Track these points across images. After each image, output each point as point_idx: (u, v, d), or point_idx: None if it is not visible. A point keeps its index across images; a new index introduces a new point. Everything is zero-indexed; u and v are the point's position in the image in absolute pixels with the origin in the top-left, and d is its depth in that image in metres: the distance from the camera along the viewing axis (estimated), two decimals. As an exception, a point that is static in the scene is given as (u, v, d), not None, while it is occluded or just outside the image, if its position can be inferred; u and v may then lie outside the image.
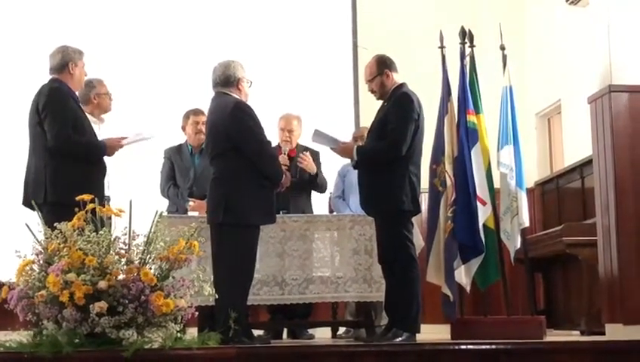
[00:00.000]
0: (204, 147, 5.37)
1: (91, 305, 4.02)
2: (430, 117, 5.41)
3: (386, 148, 5.09)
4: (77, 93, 5.26)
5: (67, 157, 4.98)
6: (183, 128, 6.41)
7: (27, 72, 7.59)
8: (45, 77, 5.24)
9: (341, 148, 5.31)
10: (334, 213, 6.48)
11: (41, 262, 4.24)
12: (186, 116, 6.38)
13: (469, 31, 5.59)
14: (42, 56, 5.33)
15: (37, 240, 4.35)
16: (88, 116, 5.33)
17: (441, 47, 5.57)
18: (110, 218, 4.41)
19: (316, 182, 6.31)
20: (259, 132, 5.04)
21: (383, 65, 5.26)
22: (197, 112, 6.27)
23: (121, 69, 7.65)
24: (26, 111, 5.19)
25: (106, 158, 5.23)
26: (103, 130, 5.56)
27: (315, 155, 6.37)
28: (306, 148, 6.35)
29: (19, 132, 5.91)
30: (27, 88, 5.75)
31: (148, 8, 8.47)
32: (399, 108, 5.12)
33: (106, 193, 5.29)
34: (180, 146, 6.43)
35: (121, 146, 5.23)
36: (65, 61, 5.13)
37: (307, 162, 6.19)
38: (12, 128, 7.53)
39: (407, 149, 5.07)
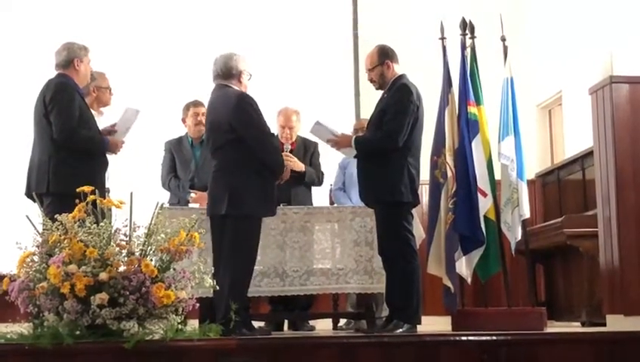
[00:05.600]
0: (205, 139, 5.37)
1: (92, 297, 4.03)
2: (431, 108, 5.41)
3: (382, 138, 5.09)
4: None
5: (71, 150, 5.05)
6: (183, 120, 6.42)
7: (29, 67, 7.62)
8: (48, 71, 5.30)
9: (339, 140, 5.30)
10: (335, 205, 6.47)
11: (42, 253, 4.24)
12: (186, 108, 6.39)
13: (470, 22, 5.57)
14: (45, 50, 5.34)
15: (38, 231, 4.35)
16: (88, 108, 5.38)
17: (442, 39, 5.56)
18: (111, 210, 4.41)
19: (305, 181, 6.26)
20: (263, 123, 5.05)
21: (385, 55, 5.26)
22: (197, 104, 6.28)
23: (121, 61, 7.64)
24: (28, 105, 5.25)
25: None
26: (101, 122, 5.56)
27: (314, 146, 6.36)
28: (306, 141, 6.35)
29: (20, 125, 5.94)
30: (29, 83, 5.78)
31: (147, 1, 8.45)
32: (398, 99, 5.12)
33: (106, 185, 5.32)
34: (180, 139, 6.44)
35: (123, 143, 5.28)
36: (70, 57, 5.21)
37: (292, 162, 6.11)
38: (13, 121, 7.55)
39: (406, 141, 5.07)
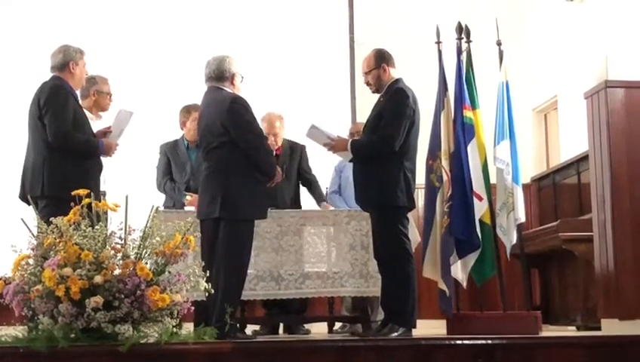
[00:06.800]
0: (198, 141, 5.38)
1: (87, 300, 4.01)
2: (427, 112, 5.41)
3: (378, 142, 5.09)
4: (77, 91, 5.31)
5: (65, 153, 5.04)
6: (183, 123, 6.40)
7: (25, 69, 7.59)
8: (45, 74, 5.29)
9: (335, 144, 5.31)
10: (331, 208, 6.47)
11: (37, 256, 4.23)
12: (187, 111, 6.35)
13: (466, 26, 5.59)
14: (41, 52, 5.33)
15: (33, 234, 4.34)
16: (85, 111, 5.36)
17: (438, 43, 5.57)
18: (106, 213, 4.40)
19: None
20: (256, 126, 5.06)
21: (381, 59, 5.26)
22: (198, 108, 6.27)
23: (116, 64, 7.59)
24: (24, 108, 5.24)
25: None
26: (95, 125, 5.55)
27: (301, 149, 6.36)
28: (292, 144, 6.35)
29: (15, 128, 5.92)
30: (25, 85, 5.76)
31: (142, 4, 8.45)
32: (394, 103, 5.12)
33: (102, 188, 5.32)
34: (175, 142, 6.44)
35: (117, 145, 5.27)
36: (66, 60, 5.20)
37: None
38: (9, 124, 7.53)
39: (402, 145, 5.07)
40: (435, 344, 4.42)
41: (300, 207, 6.32)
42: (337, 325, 6.39)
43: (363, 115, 6.19)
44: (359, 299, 5.75)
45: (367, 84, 5.33)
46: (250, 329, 5.84)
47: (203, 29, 8.34)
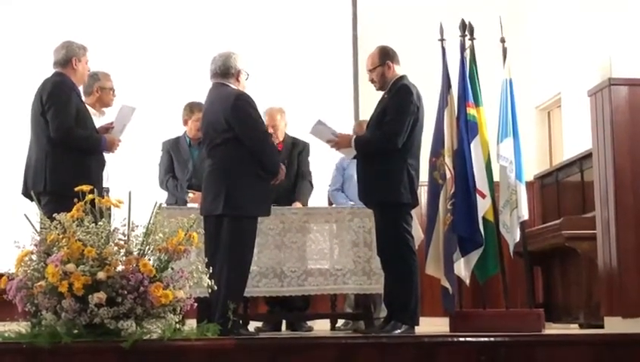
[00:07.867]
0: (202, 137, 5.37)
1: (90, 296, 4.02)
2: (430, 109, 5.41)
3: (382, 139, 5.09)
4: (80, 87, 5.31)
5: (68, 149, 5.05)
6: (185, 121, 6.39)
7: (28, 65, 7.61)
8: (46, 69, 5.29)
9: (339, 140, 5.30)
10: (334, 206, 6.47)
11: (40, 252, 4.24)
12: (190, 110, 6.33)
13: (469, 23, 5.57)
14: (43, 49, 5.34)
15: (36, 230, 4.35)
16: (88, 108, 5.37)
17: (441, 40, 5.55)
18: (109, 209, 4.41)
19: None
20: (260, 123, 5.06)
21: (386, 56, 5.26)
22: (201, 107, 6.26)
23: (119, 60, 7.61)
24: (27, 104, 5.25)
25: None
26: (100, 122, 5.55)
27: (303, 145, 6.34)
28: (294, 140, 6.34)
29: (19, 123, 5.93)
30: (28, 81, 5.78)
31: (146, 0, 8.45)
32: (398, 100, 5.12)
33: (105, 185, 5.33)
34: (177, 139, 6.43)
35: (120, 141, 5.27)
36: (69, 56, 5.21)
37: None
38: (12, 120, 7.54)
39: (405, 142, 5.07)
40: (438, 341, 4.42)
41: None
42: (340, 322, 6.38)
43: (366, 113, 6.18)
44: (362, 296, 5.75)
45: (372, 81, 5.33)
46: (252, 325, 5.84)
47: (206, 25, 8.34)
